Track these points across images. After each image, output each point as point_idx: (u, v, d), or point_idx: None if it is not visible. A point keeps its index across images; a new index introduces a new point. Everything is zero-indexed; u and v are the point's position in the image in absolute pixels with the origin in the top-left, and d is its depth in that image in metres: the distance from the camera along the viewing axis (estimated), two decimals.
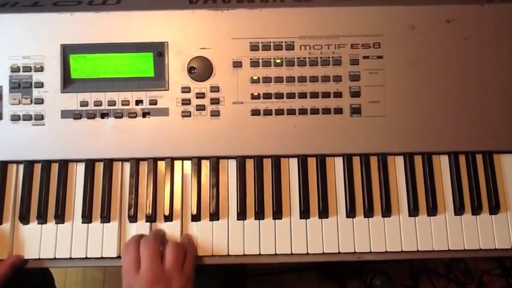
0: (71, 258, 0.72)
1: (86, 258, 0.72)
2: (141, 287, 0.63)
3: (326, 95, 0.75)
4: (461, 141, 0.75)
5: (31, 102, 0.75)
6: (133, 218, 0.73)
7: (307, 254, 0.72)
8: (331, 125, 0.75)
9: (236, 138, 0.75)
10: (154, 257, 0.65)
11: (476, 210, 0.74)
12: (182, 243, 0.70)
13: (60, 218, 0.73)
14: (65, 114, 0.75)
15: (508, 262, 1.49)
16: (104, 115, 0.75)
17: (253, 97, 0.75)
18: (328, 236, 0.73)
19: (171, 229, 0.73)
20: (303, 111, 0.75)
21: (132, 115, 0.75)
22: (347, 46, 0.76)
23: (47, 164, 0.75)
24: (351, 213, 0.73)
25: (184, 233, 0.74)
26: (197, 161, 0.75)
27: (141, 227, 0.73)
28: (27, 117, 0.75)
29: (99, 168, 0.75)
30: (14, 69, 0.75)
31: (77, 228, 0.73)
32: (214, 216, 0.73)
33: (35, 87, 0.75)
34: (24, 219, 0.73)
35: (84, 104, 0.75)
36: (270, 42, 0.76)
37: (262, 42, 0.76)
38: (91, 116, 0.75)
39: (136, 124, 0.75)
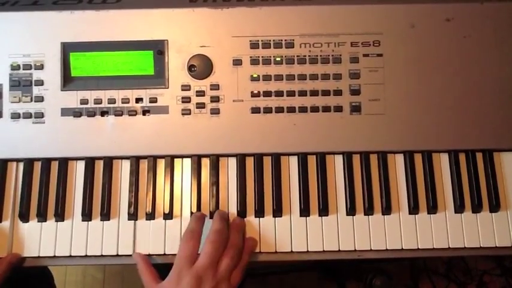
0: (70, 256, 0.72)
1: (86, 256, 0.72)
2: (189, 280, 0.63)
3: (326, 93, 0.75)
4: (461, 140, 0.75)
5: (31, 100, 0.75)
6: (133, 216, 0.73)
7: (307, 251, 0.72)
8: (331, 123, 0.75)
9: (236, 136, 0.75)
10: (215, 257, 0.65)
11: (477, 208, 0.74)
12: (243, 250, 0.69)
13: (60, 215, 0.73)
14: (65, 112, 0.75)
15: (508, 262, 1.49)
16: (103, 113, 0.75)
17: (253, 95, 0.75)
18: (328, 233, 0.73)
19: (171, 227, 0.73)
20: (302, 109, 0.75)
21: (132, 113, 0.75)
22: (347, 44, 0.76)
23: (46, 162, 0.75)
24: (351, 211, 0.73)
25: (183, 231, 0.71)
26: (197, 159, 0.75)
27: (141, 225, 0.73)
28: (27, 115, 0.75)
29: (99, 166, 0.75)
30: (14, 67, 0.75)
31: (76, 226, 0.73)
32: None
33: (35, 85, 0.75)
34: (24, 217, 0.73)
35: (84, 102, 0.75)
36: (270, 40, 0.76)
37: (262, 40, 0.76)
38: (91, 114, 0.75)
39: (136, 122, 0.75)
